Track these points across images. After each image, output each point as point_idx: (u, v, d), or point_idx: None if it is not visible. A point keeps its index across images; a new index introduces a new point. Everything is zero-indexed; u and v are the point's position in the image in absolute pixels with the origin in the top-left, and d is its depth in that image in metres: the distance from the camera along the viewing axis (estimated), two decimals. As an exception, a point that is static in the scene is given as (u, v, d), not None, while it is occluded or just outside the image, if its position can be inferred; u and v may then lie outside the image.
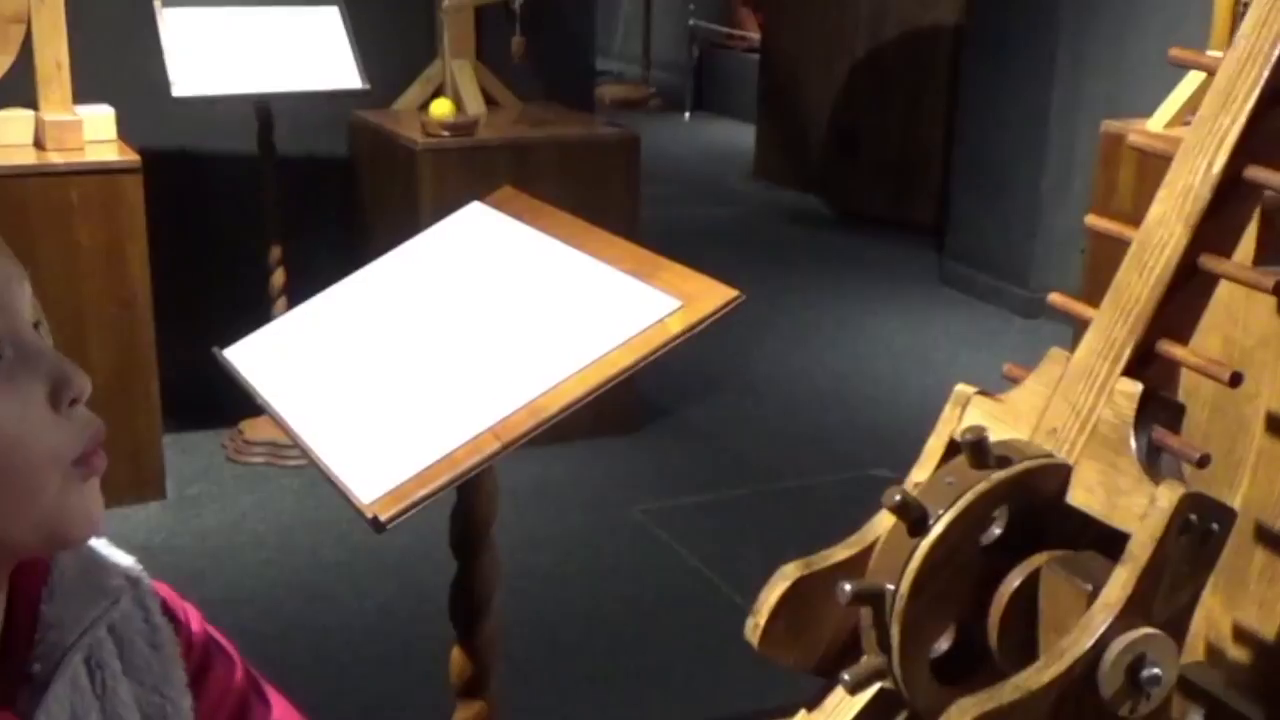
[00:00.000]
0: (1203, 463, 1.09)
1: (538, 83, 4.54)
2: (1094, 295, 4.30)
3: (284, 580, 3.32)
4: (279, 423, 1.92)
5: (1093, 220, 1.27)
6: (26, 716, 0.93)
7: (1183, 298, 1.14)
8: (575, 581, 3.38)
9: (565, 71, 4.71)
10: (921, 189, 6.83)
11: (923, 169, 6.82)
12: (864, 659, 1.12)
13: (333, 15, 3.89)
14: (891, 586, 1.07)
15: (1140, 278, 1.15)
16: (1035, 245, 5.54)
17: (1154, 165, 3.86)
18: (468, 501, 1.93)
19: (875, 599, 1.07)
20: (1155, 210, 1.17)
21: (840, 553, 1.18)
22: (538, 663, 2.94)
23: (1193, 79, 3.68)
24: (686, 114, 10.06)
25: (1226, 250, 1.15)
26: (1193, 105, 3.68)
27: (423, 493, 1.67)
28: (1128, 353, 1.14)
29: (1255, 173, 1.14)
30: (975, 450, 1.09)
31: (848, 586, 1.06)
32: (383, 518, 1.65)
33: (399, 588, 3.27)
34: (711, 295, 1.72)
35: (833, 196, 7.30)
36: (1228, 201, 1.14)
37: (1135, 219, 4.00)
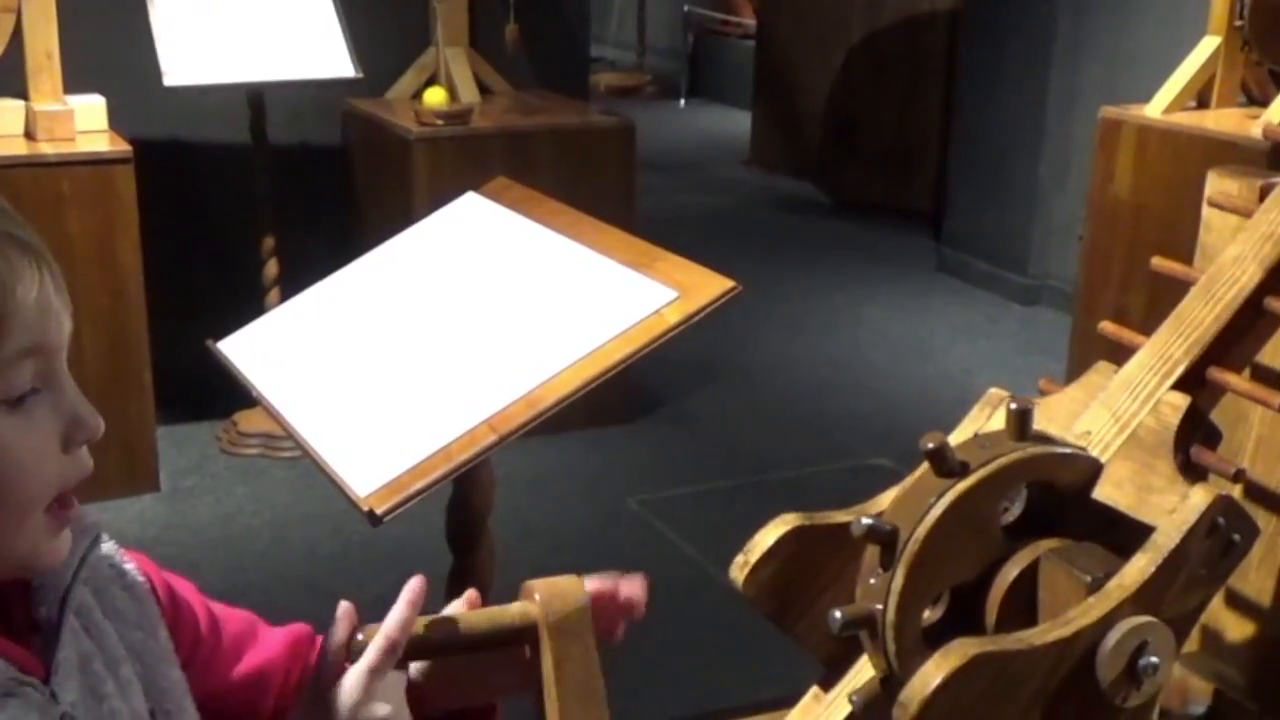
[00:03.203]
0: (1237, 477, 1.11)
1: (532, 70, 4.52)
2: (1092, 283, 4.26)
3: (279, 573, 3.30)
4: (274, 416, 1.90)
5: (1158, 262, 1.30)
6: (45, 659, 0.96)
7: (1244, 332, 1.19)
8: (571, 571, 3.36)
9: (560, 59, 4.69)
10: (918, 176, 6.81)
11: (919, 156, 6.80)
12: (858, 602, 1.12)
13: (325, 3, 3.86)
14: (907, 530, 1.07)
15: (1206, 306, 1.19)
16: (1033, 232, 5.52)
17: (1152, 153, 3.83)
18: (464, 494, 1.93)
19: (888, 538, 1.07)
20: (1232, 250, 1.21)
21: (842, 515, 1.18)
22: (535, 654, 2.92)
23: (1190, 65, 3.66)
24: (682, 101, 10.03)
25: None
26: (1191, 91, 3.67)
27: (418, 485, 1.66)
28: (1180, 370, 1.17)
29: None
30: (1020, 420, 1.09)
31: (864, 520, 1.06)
32: (378, 511, 1.64)
33: (395, 580, 3.22)
34: (708, 286, 1.71)
35: (829, 184, 7.28)
36: None
37: (1133, 205, 3.95)
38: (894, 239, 6.47)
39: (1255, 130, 3.17)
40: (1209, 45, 3.66)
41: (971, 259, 5.80)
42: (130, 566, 1.10)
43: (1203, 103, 3.71)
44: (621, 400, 4.10)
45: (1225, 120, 3.59)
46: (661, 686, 2.90)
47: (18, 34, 3.49)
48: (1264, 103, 3.61)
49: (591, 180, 3.95)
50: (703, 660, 2.98)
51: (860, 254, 6.27)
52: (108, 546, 1.08)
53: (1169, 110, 3.63)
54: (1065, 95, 5.31)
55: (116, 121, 3.64)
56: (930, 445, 1.06)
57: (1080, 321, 3.75)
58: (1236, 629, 1.41)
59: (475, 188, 2.19)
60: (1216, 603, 1.41)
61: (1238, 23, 3.57)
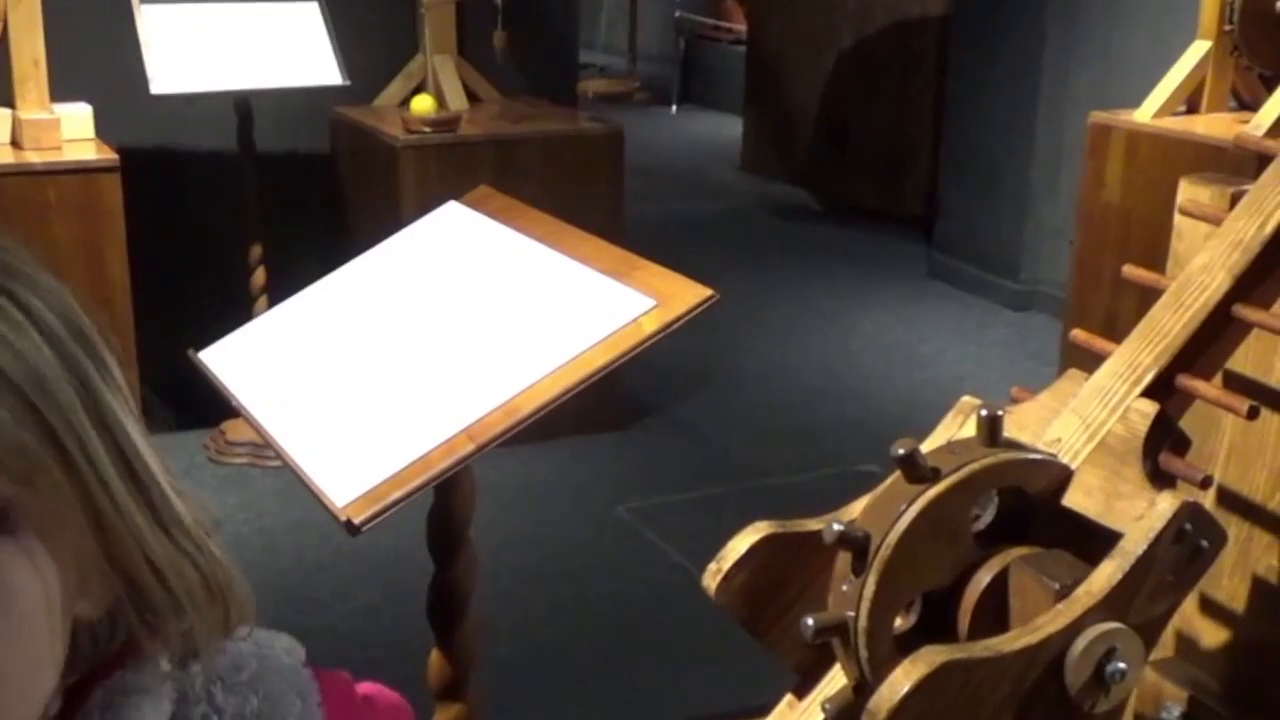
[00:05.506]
0: (1205, 484, 1.11)
1: (521, 78, 4.52)
2: (1083, 289, 4.25)
3: (266, 581, 3.29)
4: (254, 426, 1.90)
5: (1129, 270, 1.30)
6: None
7: (1213, 340, 1.19)
8: (560, 580, 3.36)
9: (548, 66, 4.69)
10: (909, 181, 6.81)
11: (911, 161, 6.80)
12: (830, 609, 1.12)
13: (313, 10, 3.86)
14: (878, 537, 1.07)
15: (1175, 315, 1.19)
16: (1024, 237, 5.52)
17: (1142, 158, 3.83)
18: (444, 503, 1.92)
19: (860, 544, 1.07)
20: (1201, 258, 1.22)
21: (815, 523, 1.18)
22: (522, 663, 2.92)
23: (1180, 70, 3.67)
24: (673, 107, 10.04)
25: (1263, 306, 1.19)
26: (1181, 96, 3.67)
27: (397, 495, 1.66)
28: (1149, 377, 1.17)
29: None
30: (990, 427, 1.09)
31: (836, 526, 1.06)
32: (356, 520, 1.64)
33: (382, 589, 3.25)
34: (686, 294, 1.71)
35: (821, 189, 7.29)
36: (1272, 262, 1.19)
37: (1123, 210, 3.95)
38: (885, 245, 6.47)
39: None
40: (1199, 50, 3.66)
41: (963, 265, 5.80)
42: None
43: (1193, 108, 3.71)
44: (611, 407, 4.09)
45: (1215, 125, 3.59)
46: (649, 694, 2.89)
47: (4, 42, 3.49)
48: (1254, 107, 3.61)
49: (580, 187, 3.95)
50: (691, 668, 2.97)
51: (852, 260, 6.27)
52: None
53: (1159, 115, 3.64)
54: (1055, 100, 5.31)
55: (103, 130, 3.63)
56: (901, 451, 1.06)
57: (1071, 327, 3.75)
58: (1210, 635, 1.41)
59: (463, 195, 2.19)
60: (1190, 608, 1.41)
61: (1227, 27, 3.57)
